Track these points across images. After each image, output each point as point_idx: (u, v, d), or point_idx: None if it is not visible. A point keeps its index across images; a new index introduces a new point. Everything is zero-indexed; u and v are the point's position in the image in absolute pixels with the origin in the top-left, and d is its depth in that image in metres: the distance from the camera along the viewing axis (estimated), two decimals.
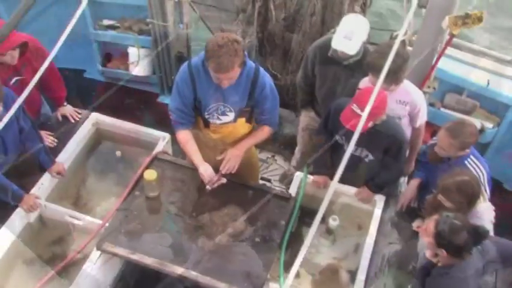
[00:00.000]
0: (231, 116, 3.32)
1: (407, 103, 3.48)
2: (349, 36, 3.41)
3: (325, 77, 3.82)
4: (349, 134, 3.34)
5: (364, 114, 2.11)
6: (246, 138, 3.42)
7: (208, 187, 3.28)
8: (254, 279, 2.99)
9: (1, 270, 3.24)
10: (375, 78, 3.23)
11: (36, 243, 3.43)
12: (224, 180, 3.32)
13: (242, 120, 3.39)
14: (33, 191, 3.46)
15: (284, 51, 4.96)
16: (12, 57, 3.44)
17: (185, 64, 3.23)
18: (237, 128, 3.42)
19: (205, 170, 3.28)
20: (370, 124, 3.16)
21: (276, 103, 3.37)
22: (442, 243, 2.58)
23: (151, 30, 4.97)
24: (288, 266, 3.13)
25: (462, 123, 3.17)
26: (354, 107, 3.08)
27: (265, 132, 3.44)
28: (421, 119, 3.60)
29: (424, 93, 3.83)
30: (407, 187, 3.54)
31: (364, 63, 3.37)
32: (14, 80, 3.54)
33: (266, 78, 3.25)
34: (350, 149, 1.91)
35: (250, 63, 3.19)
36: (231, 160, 3.30)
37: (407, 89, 3.48)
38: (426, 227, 2.63)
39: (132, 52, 5.26)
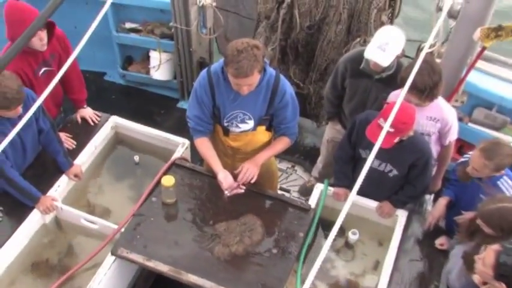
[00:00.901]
0: (251, 124, 3.34)
1: (439, 120, 3.46)
2: (383, 47, 3.39)
3: (355, 91, 3.81)
4: (373, 148, 3.33)
5: (386, 127, 2.11)
6: (264, 150, 3.42)
7: (227, 193, 3.29)
8: None
9: (14, 270, 3.30)
10: (410, 94, 3.22)
11: (51, 245, 3.48)
12: (242, 190, 3.34)
13: (262, 128, 3.40)
14: (50, 192, 3.52)
15: (307, 60, 4.97)
16: (41, 39, 3.40)
17: (204, 70, 3.26)
18: (257, 136, 3.44)
19: (225, 177, 3.29)
20: (397, 140, 3.16)
21: (296, 113, 3.38)
22: (502, 277, 2.47)
23: (174, 35, 5.03)
24: (305, 280, 3.13)
25: (497, 144, 3.09)
26: (381, 121, 3.08)
27: (284, 143, 3.43)
28: (451, 137, 3.57)
29: (452, 107, 3.81)
30: (435, 206, 3.51)
31: (398, 78, 3.35)
32: (42, 70, 3.61)
33: (287, 86, 3.26)
34: (370, 160, 1.92)
35: (271, 71, 3.20)
36: (248, 172, 3.29)
37: (440, 105, 3.45)
38: (484, 257, 2.53)
39: (154, 56, 5.32)
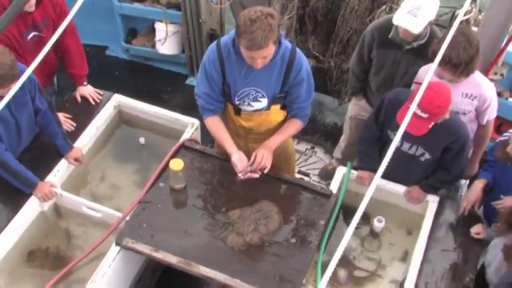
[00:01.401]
0: (264, 102, 3.30)
1: (476, 97, 3.38)
2: (414, 12, 3.31)
3: (383, 63, 3.76)
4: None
5: (411, 109, 2.03)
6: (276, 134, 3.40)
7: (240, 176, 3.27)
8: (288, 283, 2.97)
9: (11, 261, 3.31)
10: (443, 69, 3.16)
11: (50, 235, 3.49)
12: (257, 175, 3.31)
13: (276, 107, 3.37)
14: (49, 178, 3.52)
15: (328, 31, 4.92)
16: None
17: (214, 43, 3.23)
18: (271, 115, 3.40)
19: (239, 159, 3.26)
20: (431, 125, 3.09)
21: (311, 91, 3.34)
22: None
23: (181, 4, 5.00)
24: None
25: None
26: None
27: (296, 125, 3.42)
28: (490, 115, 3.51)
29: (490, 81, 3.72)
30: (471, 189, 3.45)
31: (430, 52, 3.27)
32: (31, 35, 3.59)
33: (303, 60, 3.22)
34: (395, 142, 1.86)
35: (286, 44, 3.15)
36: (263, 160, 3.27)
37: (477, 80, 3.37)
38: None
39: (160, 28, 5.30)
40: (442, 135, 3.25)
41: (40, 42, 3.59)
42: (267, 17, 2.86)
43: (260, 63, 3.02)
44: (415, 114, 2.99)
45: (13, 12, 2.49)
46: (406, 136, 3.24)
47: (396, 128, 3.32)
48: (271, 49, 2.97)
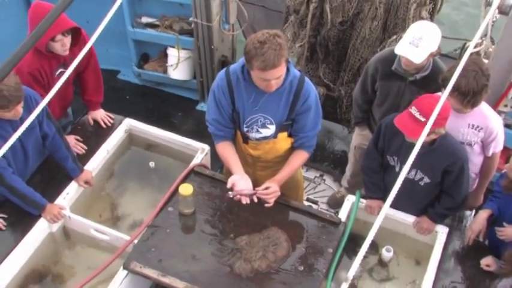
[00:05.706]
0: (272, 129, 3.32)
1: (482, 128, 3.39)
2: (415, 42, 3.33)
3: (387, 94, 3.77)
4: (402, 153, 3.30)
5: (429, 124, 2.06)
6: (283, 169, 3.39)
7: (230, 193, 3.26)
8: None
9: (18, 282, 3.32)
10: (451, 96, 3.16)
11: (57, 257, 3.50)
12: (246, 200, 3.27)
13: (284, 134, 3.38)
14: (58, 200, 3.54)
15: (339, 59, 4.94)
16: (63, 45, 3.49)
17: (223, 71, 3.26)
18: (278, 143, 3.42)
19: (240, 180, 3.26)
20: (427, 131, 3.09)
21: (318, 121, 3.35)
22: None
23: (194, 31, 5.04)
24: None
25: None
26: (413, 110, 3.03)
27: (301, 158, 3.42)
28: (496, 148, 3.50)
29: (500, 113, 3.73)
30: (475, 219, 3.45)
31: (439, 78, 3.29)
32: (59, 71, 3.67)
33: (311, 88, 3.24)
34: (404, 173, 1.88)
35: (295, 71, 3.18)
36: (272, 195, 3.29)
37: (484, 112, 3.38)
38: None
39: (172, 53, 5.34)
40: (440, 157, 3.25)
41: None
42: (275, 37, 2.90)
43: (274, 84, 3.03)
44: (413, 116, 3.00)
45: (25, 49, 2.48)
46: (404, 159, 3.24)
47: (395, 152, 3.35)
48: (283, 68, 2.99)
